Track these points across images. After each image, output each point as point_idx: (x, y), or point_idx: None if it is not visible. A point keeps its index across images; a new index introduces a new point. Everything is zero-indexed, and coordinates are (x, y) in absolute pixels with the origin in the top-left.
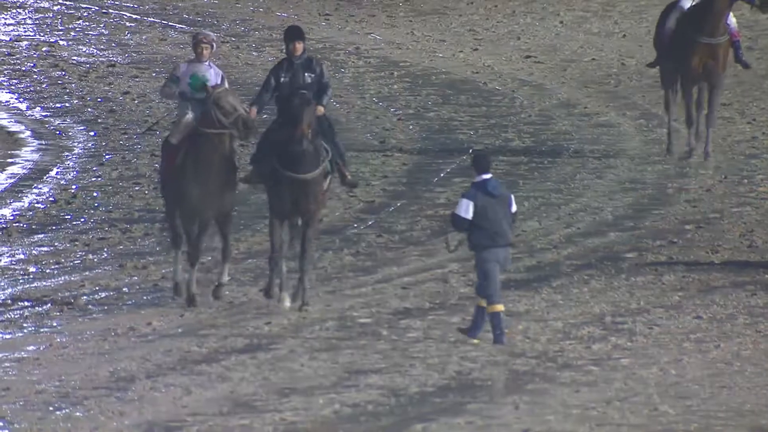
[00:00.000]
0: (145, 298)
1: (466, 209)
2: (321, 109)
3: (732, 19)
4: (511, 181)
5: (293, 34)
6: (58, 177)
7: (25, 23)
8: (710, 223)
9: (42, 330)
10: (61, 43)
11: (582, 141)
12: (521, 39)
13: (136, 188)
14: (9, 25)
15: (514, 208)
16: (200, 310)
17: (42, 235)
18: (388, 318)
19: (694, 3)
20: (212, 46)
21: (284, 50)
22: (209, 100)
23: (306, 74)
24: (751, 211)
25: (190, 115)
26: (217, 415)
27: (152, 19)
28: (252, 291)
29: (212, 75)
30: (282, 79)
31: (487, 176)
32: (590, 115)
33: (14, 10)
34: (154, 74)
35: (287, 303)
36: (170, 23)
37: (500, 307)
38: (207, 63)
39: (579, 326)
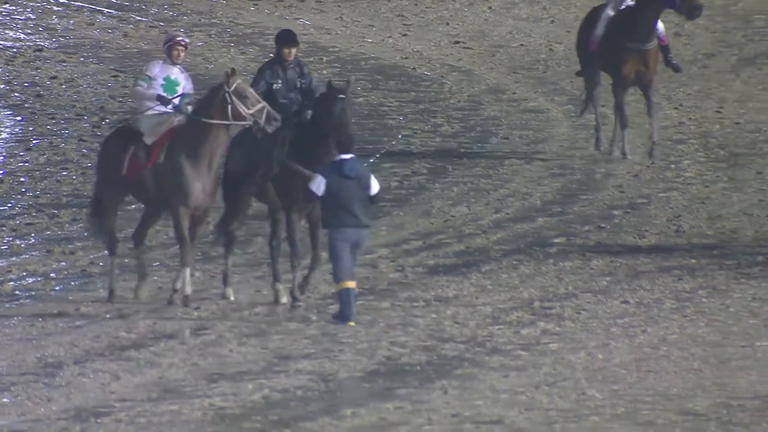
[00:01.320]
0: (73, 283)
1: (318, 186)
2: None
3: (660, 24)
4: (440, 166)
5: (289, 39)
6: None
7: None
8: (638, 208)
9: None
10: None
11: (511, 126)
12: (450, 24)
13: (64, 173)
14: None
15: (374, 190)
16: (129, 296)
17: None
18: (317, 303)
19: (620, 8)
20: (186, 49)
21: (274, 53)
22: (227, 91)
23: (299, 80)
24: (678, 196)
25: (166, 116)
26: (146, 401)
27: (80, 4)
28: None
29: (183, 78)
30: (275, 85)
31: (346, 157)
32: (519, 101)
33: None
34: (81, 59)
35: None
36: (98, 8)
37: (351, 284)
38: (179, 66)
39: (508, 311)
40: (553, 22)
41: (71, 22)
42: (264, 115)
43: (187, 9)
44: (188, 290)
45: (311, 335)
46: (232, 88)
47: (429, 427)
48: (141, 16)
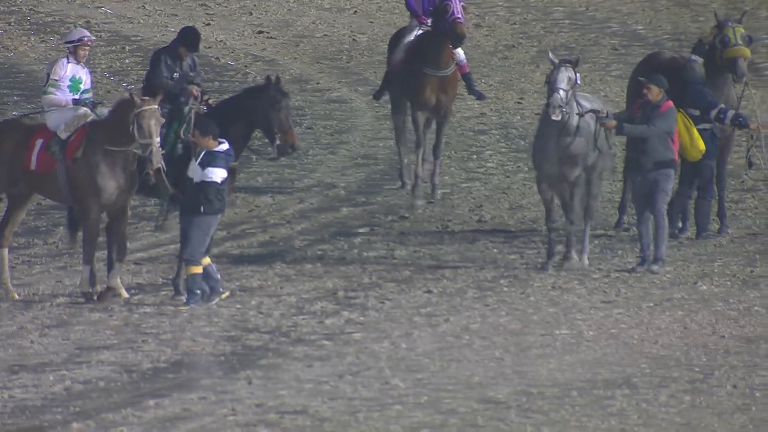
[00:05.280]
0: None
1: (221, 176)
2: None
3: (459, 51)
4: (244, 156)
5: (194, 47)
6: None
7: None
8: (441, 198)
9: None
10: None
11: (315, 116)
12: (253, 14)
13: None
14: None
15: None
16: None
17: None
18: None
19: (420, 33)
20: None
21: (171, 45)
22: (134, 113)
23: (191, 73)
24: (480, 187)
25: (82, 110)
26: None
27: None
28: None
29: (85, 74)
30: (174, 74)
31: (226, 145)
32: (323, 91)
33: None
34: None
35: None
36: None
37: (206, 261)
38: (81, 63)
39: (312, 301)
40: (356, 12)
41: None
42: (150, 154)
43: None
44: (87, 288)
45: (114, 326)
46: (136, 112)
47: (233, 418)
48: None
